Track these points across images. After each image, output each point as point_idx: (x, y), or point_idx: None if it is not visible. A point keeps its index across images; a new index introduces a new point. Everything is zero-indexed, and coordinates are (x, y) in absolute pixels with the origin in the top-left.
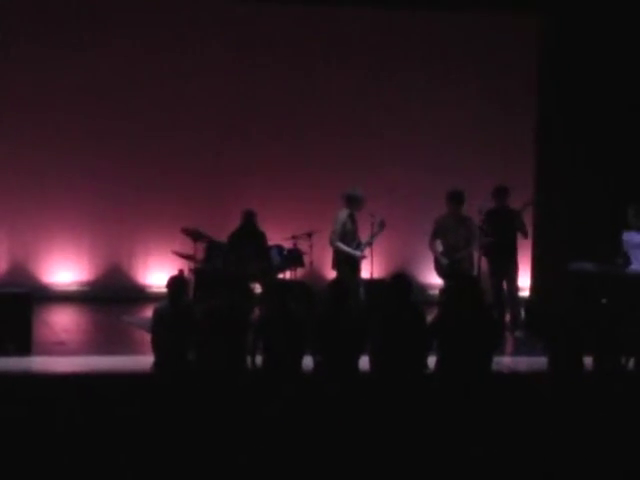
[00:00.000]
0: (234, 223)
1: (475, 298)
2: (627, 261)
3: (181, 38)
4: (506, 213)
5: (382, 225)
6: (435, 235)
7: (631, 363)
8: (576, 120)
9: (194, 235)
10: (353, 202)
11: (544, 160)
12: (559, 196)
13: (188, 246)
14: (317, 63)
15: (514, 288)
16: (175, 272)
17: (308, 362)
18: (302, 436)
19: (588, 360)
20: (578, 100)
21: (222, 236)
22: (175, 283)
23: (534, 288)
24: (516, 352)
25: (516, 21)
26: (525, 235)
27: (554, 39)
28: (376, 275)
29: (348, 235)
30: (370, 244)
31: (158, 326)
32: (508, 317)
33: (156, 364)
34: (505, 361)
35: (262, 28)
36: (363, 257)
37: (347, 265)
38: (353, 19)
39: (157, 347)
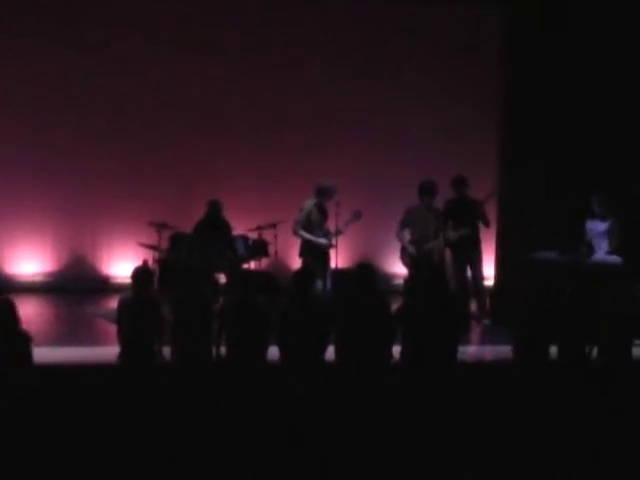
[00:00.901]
0: (199, 213)
1: (440, 287)
2: (590, 250)
3: (142, 31)
4: (466, 203)
5: (357, 215)
6: (404, 224)
7: (595, 352)
8: (539, 109)
9: (158, 225)
10: (321, 192)
11: (507, 149)
12: (522, 185)
13: (152, 237)
14: (283, 54)
15: (479, 277)
16: (139, 263)
17: (274, 352)
18: (266, 427)
19: (553, 349)
20: (540, 89)
21: (187, 227)
22: (140, 273)
23: (498, 277)
24: (482, 341)
25: (478, 10)
26: (487, 225)
27: (517, 27)
28: (341, 264)
29: (314, 224)
30: (340, 233)
31: (123, 317)
32: (474, 306)
33: (121, 355)
34: (471, 350)
35: (225, 20)
36: (331, 246)
37: (311, 254)
38: (317, 8)
39: (122, 338)
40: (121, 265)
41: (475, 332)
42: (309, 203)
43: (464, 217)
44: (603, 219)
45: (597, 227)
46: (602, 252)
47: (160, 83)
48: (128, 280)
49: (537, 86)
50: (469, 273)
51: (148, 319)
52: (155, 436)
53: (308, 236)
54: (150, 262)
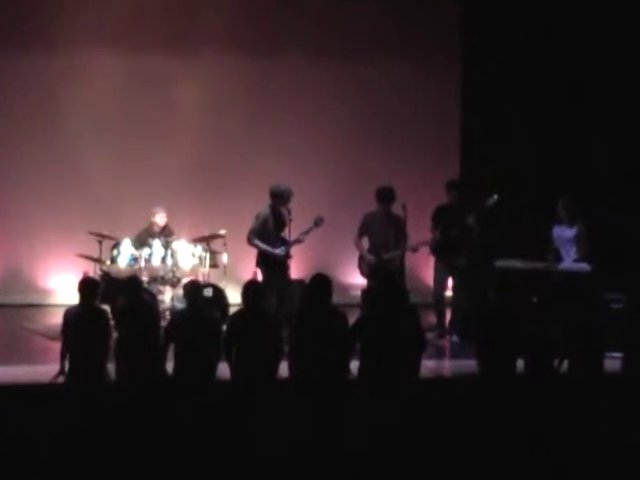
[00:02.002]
0: (142, 223)
1: (399, 299)
2: (558, 257)
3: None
4: (458, 209)
5: (317, 223)
6: (362, 232)
7: (564, 365)
8: (501, 112)
9: (100, 236)
10: (276, 197)
11: (469, 153)
12: (485, 190)
13: (92, 247)
14: (237, 56)
15: (461, 293)
16: (81, 275)
17: (224, 369)
18: (216, 448)
19: (519, 363)
20: (501, 93)
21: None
22: (87, 285)
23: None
24: (446, 356)
25: None
26: (476, 238)
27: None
28: (294, 276)
29: (270, 233)
30: (299, 242)
31: (69, 331)
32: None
33: (68, 373)
34: (433, 365)
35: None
36: (288, 256)
37: (265, 264)
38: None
39: (69, 354)
40: (60, 277)
41: (441, 347)
42: (264, 210)
43: (452, 225)
44: (571, 224)
45: (565, 233)
46: (570, 259)
47: (108, 89)
48: (67, 293)
49: (497, 84)
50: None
51: (97, 333)
52: (103, 458)
53: (263, 246)
54: (91, 274)
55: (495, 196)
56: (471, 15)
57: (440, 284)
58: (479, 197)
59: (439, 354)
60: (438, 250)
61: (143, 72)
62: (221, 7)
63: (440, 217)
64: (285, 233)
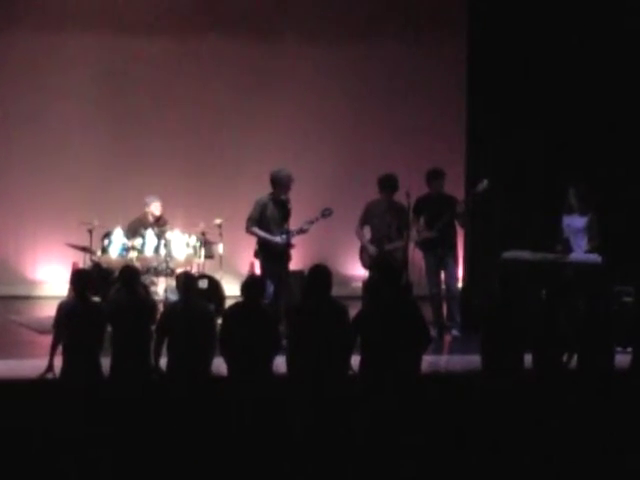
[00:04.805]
0: (134, 212)
1: (399, 291)
2: (567, 248)
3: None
4: (442, 200)
5: (325, 214)
6: (363, 221)
7: (573, 361)
8: (507, 98)
9: (89, 226)
10: (276, 184)
11: (475, 141)
12: (492, 177)
13: (82, 237)
14: (233, 40)
15: (452, 283)
16: (70, 266)
17: (219, 364)
18: (212, 445)
19: (527, 358)
20: (509, 76)
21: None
22: (81, 277)
23: (467, 280)
24: (450, 350)
25: None
26: (463, 226)
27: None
28: (293, 267)
29: (270, 221)
30: (303, 231)
31: (64, 325)
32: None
33: (62, 368)
34: (438, 360)
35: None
36: (290, 246)
37: (264, 253)
38: None
39: (63, 349)
40: (48, 268)
41: (443, 342)
42: (263, 197)
43: (438, 215)
44: (582, 214)
45: (575, 223)
46: (580, 250)
47: (101, 76)
48: (56, 285)
49: (505, 74)
50: (442, 277)
51: (92, 328)
52: (96, 455)
53: (261, 233)
54: (81, 265)
55: (485, 181)
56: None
57: (432, 279)
58: (469, 185)
59: (439, 349)
60: (424, 244)
61: (134, 56)
62: None
63: (422, 208)
64: (287, 222)
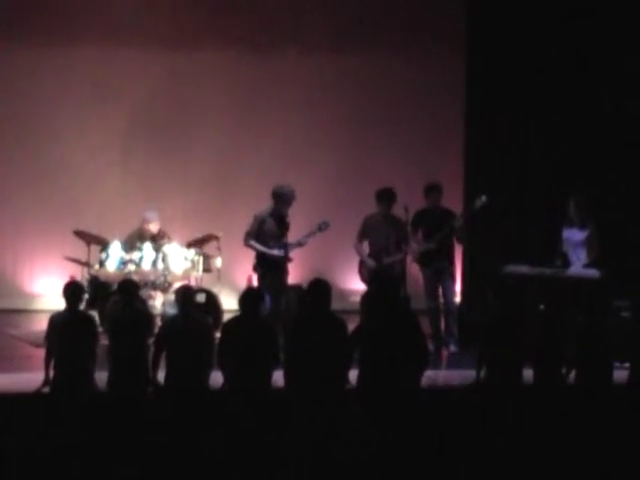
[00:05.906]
0: (132, 225)
1: (396, 305)
2: (566, 262)
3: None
4: (440, 214)
5: (322, 227)
6: (362, 235)
7: (572, 375)
8: (507, 111)
9: (87, 238)
10: (279, 200)
11: (474, 154)
12: (491, 192)
13: (80, 250)
14: (235, 52)
15: (450, 298)
16: (67, 279)
17: (217, 378)
18: (208, 458)
19: (527, 373)
20: (506, 89)
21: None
22: (73, 290)
23: (465, 294)
24: (448, 365)
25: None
26: (461, 241)
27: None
28: (291, 281)
29: (269, 235)
30: (301, 245)
31: (55, 338)
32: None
33: (54, 381)
34: (436, 375)
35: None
36: (288, 259)
37: (262, 267)
38: None
39: (55, 362)
40: (45, 281)
41: (441, 356)
42: (262, 212)
43: (436, 229)
44: (582, 227)
45: (575, 236)
46: (580, 264)
47: (101, 85)
48: (53, 298)
49: (505, 87)
50: (440, 291)
51: (83, 340)
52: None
53: (259, 247)
54: (78, 278)
55: (483, 197)
56: (475, 8)
57: (430, 293)
58: (468, 199)
59: (437, 364)
60: (422, 258)
61: (133, 68)
62: (219, 1)
63: (420, 222)
64: (286, 236)
